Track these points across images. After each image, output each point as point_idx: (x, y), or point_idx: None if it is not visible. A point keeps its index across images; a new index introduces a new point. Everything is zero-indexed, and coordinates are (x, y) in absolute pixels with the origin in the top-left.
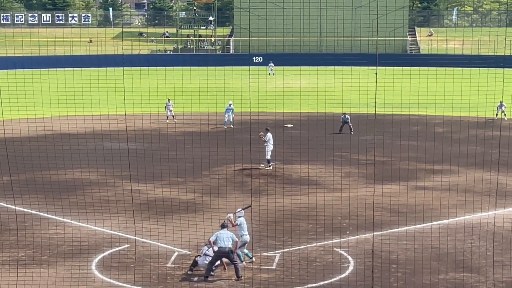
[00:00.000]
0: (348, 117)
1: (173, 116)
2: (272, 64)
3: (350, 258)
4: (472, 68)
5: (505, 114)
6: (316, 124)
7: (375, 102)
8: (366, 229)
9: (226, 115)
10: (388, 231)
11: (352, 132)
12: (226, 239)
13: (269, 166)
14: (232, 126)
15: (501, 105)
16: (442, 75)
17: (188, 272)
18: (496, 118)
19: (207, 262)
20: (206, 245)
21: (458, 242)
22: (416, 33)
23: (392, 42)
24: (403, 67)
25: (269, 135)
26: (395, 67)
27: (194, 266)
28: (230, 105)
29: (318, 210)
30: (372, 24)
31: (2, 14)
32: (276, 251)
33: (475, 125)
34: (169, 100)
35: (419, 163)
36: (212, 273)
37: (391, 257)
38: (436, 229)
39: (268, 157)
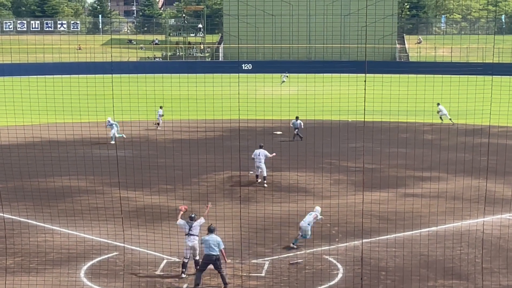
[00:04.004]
0: (300, 122)
1: (158, 124)
2: (286, 74)
3: (339, 265)
4: (461, 76)
5: (449, 118)
6: (305, 131)
7: (364, 110)
8: (355, 236)
9: (112, 131)
10: (377, 238)
11: (301, 139)
12: (213, 245)
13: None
14: (112, 142)
15: (439, 110)
16: (430, 82)
17: (183, 276)
18: (452, 122)
19: (188, 252)
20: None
21: (447, 249)
22: (405, 40)
23: (381, 49)
24: (392, 75)
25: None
26: (384, 75)
27: (184, 268)
28: (109, 121)
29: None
30: (361, 31)
31: None
32: (265, 259)
33: (463, 132)
34: (160, 107)
35: (408, 170)
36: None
37: (380, 264)
38: (425, 236)
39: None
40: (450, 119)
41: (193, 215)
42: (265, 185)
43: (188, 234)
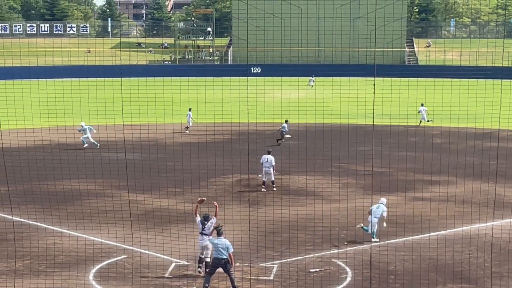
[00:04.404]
0: (285, 125)
1: (187, 127)
2: (313, 78)
3: (348, 269)
4: (470, 79)
5: (427, 120)
6: (314, 135)
7: (373, 113)
8: (364, 240)
9: (84, 136)
10: (386, 242)
11: (280, 142)
12: (221, 248)
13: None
14: (85, 145)
15: (421, 111)
16: (440, 86)
17: (199, 271)
18: (420, 124)
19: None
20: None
21: (456, 253)
22: (414, 44)
23: (390, 53)
24: (401, 78)
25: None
26: (393, 78)
27: (200, 263)
28: (82, 126)
29: (316, 221)
30: (370, 35)
31: (0, 25)
32: (274, 262)
33: (473, 136)
34: (189, 109)
35: (417, 174)
36: (207, 285)
37: (389, 268)
38: (434, 240)
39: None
40: (428, 120)
41: (207, 215)
42: (274, 188)
43: (201, 234)
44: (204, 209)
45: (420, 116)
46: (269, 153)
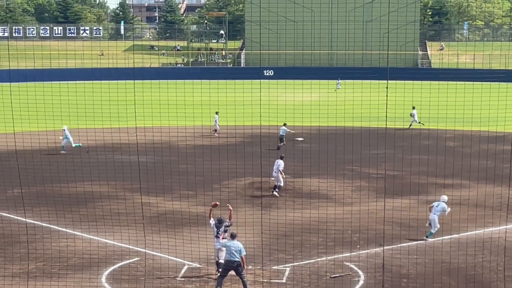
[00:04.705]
0: (285, 128)
1: (215, 130)
2: (339, 81)
3: (360, 272)
4: (483, 82)
5: (418, 122)
6: (327, 138)
7: (386, 116)
8: (377, 243)
9: (65, 140)
10: (399, 245)
11: (280, 145)
12: (234, 251)
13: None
14: (63, 152)
15: (413, 114)
16: (453, 89)
17: (217, 273)
18: (410, 127)
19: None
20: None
21: (469, 257)
22: (427, 47)
23: (403, 56)
24: (414, 81)
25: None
26: (406, 81)
27: (218, 266)
28: (64, 130)
29: (329, 224)
30: (383, 38)
31: (14, 27)
32: (287, 265)
33: (486, 139)
34: (216, 113)
35: (430, 177)
36: None
37: (402, 272)
38: (447, 243)
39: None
40: (419, 122)
41: (221, 218)
42: (276, 194)
43: (217, 237)
44: (217, 212)
45: (412, 119)
46: (281, 158)
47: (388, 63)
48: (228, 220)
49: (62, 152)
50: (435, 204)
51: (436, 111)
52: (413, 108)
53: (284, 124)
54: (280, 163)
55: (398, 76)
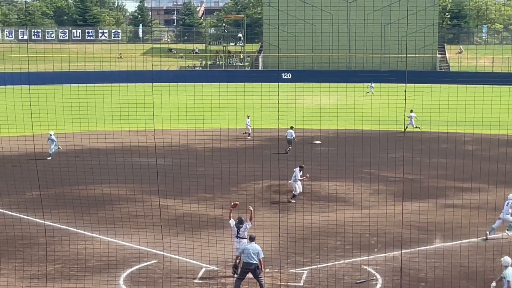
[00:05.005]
0: (292, 132)
1: (248, 134)
2: (372, 85)
3: (378, 276)
4: (502, 86)
5: (415, 127)
6: (345, 141)
7: (404, 119)
8: (395, 247)
9: (52, 146)
10: (417, 249)
11: (288, 150)
12: (252, 253)
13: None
14: (49, 158)
15: (410, 117)
16: (471, 92)
17: (234, 275)
18: (406, 130)
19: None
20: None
21: (487, 261)
22: (446, 50)
23: (421, 59)
24: (433, 84)
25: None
26: (425, 84)
27: (236, 268)
28: (51, 135)
29: (346, 227)
30: (401, 41)
31: (33, 30)
32: (304, 268)
33: (504, 143)
34: (248, 116)
35: (448, 181)
36: None
37: (420, 275)
38: (465, 247)
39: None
40: (416, 126)
41: (241, 218)
42: (293, 201)
43: (237, 237)
44: (235, 214)
45: (408, 121)
46: (300, 167)
47: (406, 66)
48: (248, 221)
49: (48, 158)
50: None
51: (454, 115)
52: (411, 111)
53: (291, 128)
54: (296, 173)
55: (417, 79)
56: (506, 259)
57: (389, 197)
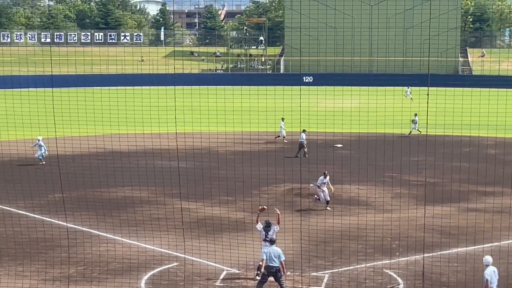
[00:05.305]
0: (303, 135)
1: (284, 137)
2: (408, 89)
3: (400, 280)
4: None
5: (420, 131)
6: (367, 145)
7: (427, 123)
8: (416, 251)
9: (39, 151)
10: (439, 253)
11: (303, 153)
12: (274, 256)
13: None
14: (43, 162)
15: (415, 121)
16: (494, 96)
17: (256, 277)
18: (409, 134)
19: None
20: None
21: (510, 265)
22: (468, 54)
23: (443, 62)
24: (455, 88)
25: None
26: (447, 88)
27: (259, 270)
28: (39, 140)
29: (368, 231)
30: (423, 44)
31: (56, 33)
32: (325, 272)
33: None
34: (282, 119)
35: (471, 185)
36: None
37: (442, 280)
38: (487, 251)
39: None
40: (419, 130)
41: (269, 221)
42: (328, 208)
43: (265, 240)
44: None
45: (412, 126)
46: (324, 174)
47: (429, 70)
48: (276, 225)
49: (41, 162)
50: None
51: (477, 118)
52: (415, 115)
53: (303, 131)
54: (319, 179)
55: (439, 82)
56: (488, 258)
57: (411, 201)
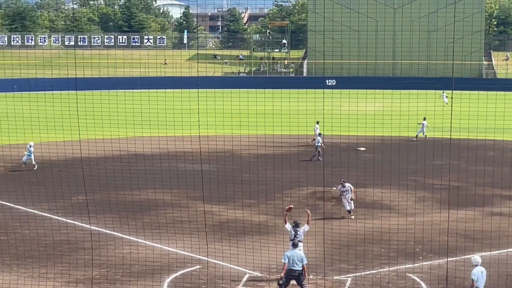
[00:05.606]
0: (320, 139)
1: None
2: (444, 94)
3: (423, 284)
4: None
5: (423, 134)
6: (390, 148)
7: (451, 127)
8: (440, 255)
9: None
10: (463, 257)
11: (318, 157)
12: (297, 260)
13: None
14: (35, 167)
15: (422, 124)
16: None
17: (280, 282)
18: (416, 138)
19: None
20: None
21: None
22: (492, 57)
23: (467, 66)
24: (479, 91)
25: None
26: (471, 91)
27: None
28: (30, 146)
29: (391, 235)
30: (447, 47)
31: (79, 36)
32: (348, 275)
33: None
34: (317, 122)
35: (495, 189)
36: None
37: (465, 284)
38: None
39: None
40: (425, 135)
41: (298, 221)
42: (352, 217)
43: (292, 240)
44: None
45: (419, 129)
46: (342, 183)
47: (453, 73)
48: (306, 225)
49: (23, 165)
50: None
51: (501, 122)
52: (424, 119)
53: (319, 135)
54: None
55: (463, 86)
56: (476, 258)
57: (434, 205)
